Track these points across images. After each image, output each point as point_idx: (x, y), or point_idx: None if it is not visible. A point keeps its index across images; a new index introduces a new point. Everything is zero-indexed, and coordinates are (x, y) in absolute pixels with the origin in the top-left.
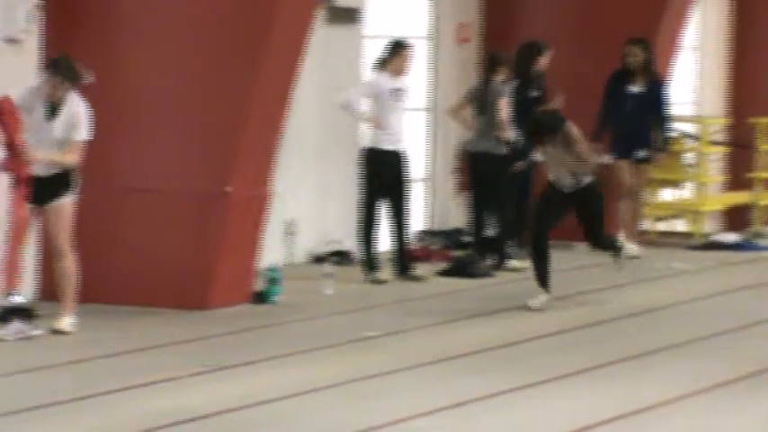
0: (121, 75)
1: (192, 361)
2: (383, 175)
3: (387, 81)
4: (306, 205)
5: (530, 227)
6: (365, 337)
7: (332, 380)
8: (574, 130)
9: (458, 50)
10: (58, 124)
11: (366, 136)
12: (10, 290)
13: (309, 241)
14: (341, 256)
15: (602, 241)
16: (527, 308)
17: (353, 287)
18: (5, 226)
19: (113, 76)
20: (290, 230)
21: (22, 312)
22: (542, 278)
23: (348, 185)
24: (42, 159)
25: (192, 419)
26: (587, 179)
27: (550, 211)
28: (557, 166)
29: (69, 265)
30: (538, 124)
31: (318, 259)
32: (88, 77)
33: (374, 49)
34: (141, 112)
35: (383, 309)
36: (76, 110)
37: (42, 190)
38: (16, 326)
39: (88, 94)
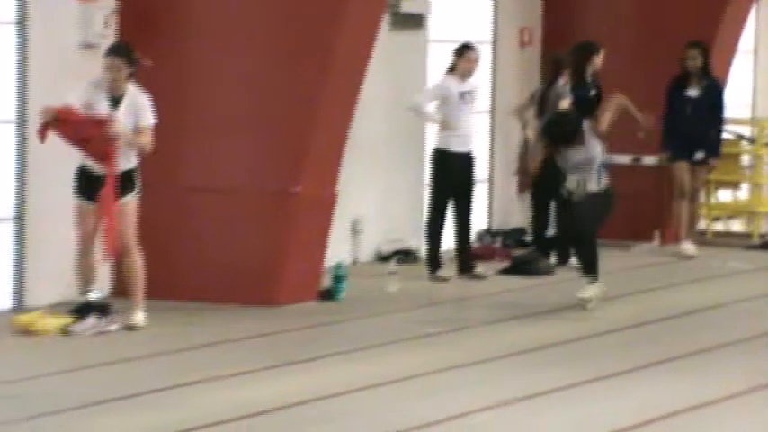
0: (193, 78)
1: (261, 356)
2: (452, 177)
3: (455, 84)
4: (371, 205)
5: (577, 227)
6: (429, 333)
7: (397, 375)
8: (592, 127)
9: (519, 54)
10: (122, 115)
11: (436, 138)
12: (86, 287)
13: (374, 240)
14: (405, 255)
15: (586, 243)
16: (582, 300)
17: (417, 285)
18: (78, 228)
19: (186, 79)
20: (355, 229)
21: (98, 308)
22: (592, 269)
23: (412, 185)
24: (123, 132)
25: (262, 413)
26: (603, 183)
27: (586, 212)
28: (577, 172)
29: (136, 261)
30: (563, 128)
31: (383, 257)
32: (145, 61)
33: (438, 54)
34: (213, 114)
35: (446, 306)
36: (138, 98)
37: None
38: (92, 321)
39: (160, 96)
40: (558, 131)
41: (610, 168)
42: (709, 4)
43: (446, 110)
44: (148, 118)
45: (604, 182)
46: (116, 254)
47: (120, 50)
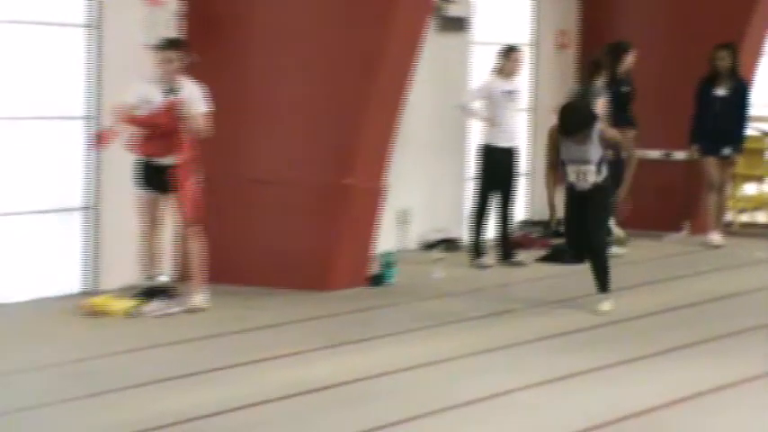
0: (253, 77)
1: (315, 338)
2: (496, 170)
3: (500, 83)
4: (417, 196)
5: (565, 236)
6: (471, 317)
7: (441, 356)
8: (603, 129)
9: (557, 55)
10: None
11: (482, 134)
12: (151, 272)
13: (421, 229)
14: (449, 243)
15: (596, 251)
16: (596, 312)
17: (460, 271)
18: (142, 217)
19: (245, 78)
20: (403, 219)
21: (163, 292)
22: (601, 280)
23: (456, 178)
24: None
25: (316, 390)
26: (601, 178)
27: (577, 217)
28: (575, 164)
29: (195, 245)
30: (576, 117)
31: (428, 246)
32: (194, 57)
33: (480, 55)
34: (270, 111)
35: (487, 292)
36: (192, 87)
37: (166, 179)
38: (157, 304)
39: (223, 95)
40: (568, 120)
41: (639, 163)
42: (736, 8)
43: (492, 108)
44: (203, 105)
45: (604, 175)
46: (196, 218)
47: (171, 44)
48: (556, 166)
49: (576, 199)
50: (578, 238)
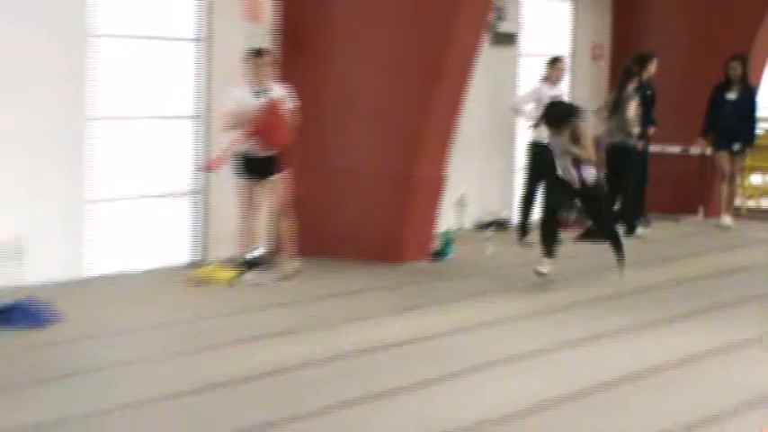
0: (334, 82)
1: (386, 303)
2: (543, 163)
3: (547, 89)
4: (473, 184)
5: (542, 210)
6: (517, 287)
7: (493, 319)
8: (583, 127)
9: (592, 65)
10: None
11: (531, 133)
12: (249, 247)
13: (475, 212)
14: (499, 225)
15: (610, 234)
16: (537, 272)
17: (509, 248)
18: (242, 202)
19: (328, 83)
20: (461, 203)
21: (259, 263)
22: (548, 250)
23: (505, 169)
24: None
25: (389, 347)
26: (591, 178)
27: (558, 197)
28: (563, 159)
29: (286, 224)
30: (557, 110)
31: (482, 226)
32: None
33: (527, 65)
34: (349, 111)
35: (531, 266)
36: (280, 88)
37: (262, 168)
38: (254, 274)
39: (309, 97)
40: (550, 113)
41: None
42: (745, 23)
43: (540, 110)
44: (290, 103)
45: (590, 175)
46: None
47: (264, 51)
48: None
49: (565, 189)
50: (552, 220)
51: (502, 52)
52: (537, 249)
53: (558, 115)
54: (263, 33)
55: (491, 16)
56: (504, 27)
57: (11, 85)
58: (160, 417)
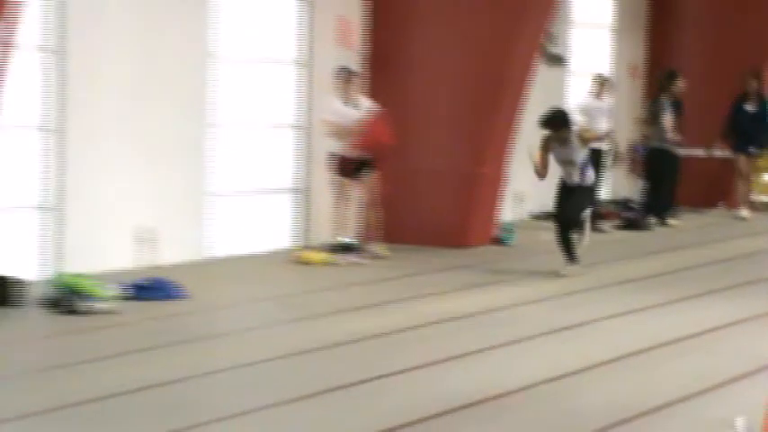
0: (412, 96)
1: (455, 280)
2: (594, 162)
3: (596, 102)
4: (529, 181)
5: (556, 215)
6: (566, 270)
7: (545, 295)
8: (574, 129)
9: (629, 82)
10: (359, 113)
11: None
12: (343, 233)
13: (531, 206)
14: (551, 217)
15: (575, 223)
16: (559, 275)
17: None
18: (338, 195)
19: (407, 97)
20: (518, 198)
21: (352, 247)
22: (569, 256)
23: (555, 169)
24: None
25: (457, 318)
26: (589, 181)
27: (567, 208)
28: (564, 164)
29: (374, 215)
30: (552, 116)
31: (537, 217)
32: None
33: (574, 81)
34: (425, 120)
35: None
36: (367, 102)
37: (355, 167)
38: (347, 256)
39: (394, 106)
40: (548, 119)
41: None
42: (759, 43)
43: (589, 119)
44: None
45: (590, 177)
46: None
47: (352, 70)
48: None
49: (566, 190)
50: (564, 218)
51: (553, 71)
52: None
53: (551, 121)
54: (353, 55)
55: (544, 40)
56: (554, 49)
57: (145, 98)
58: (270, 375)
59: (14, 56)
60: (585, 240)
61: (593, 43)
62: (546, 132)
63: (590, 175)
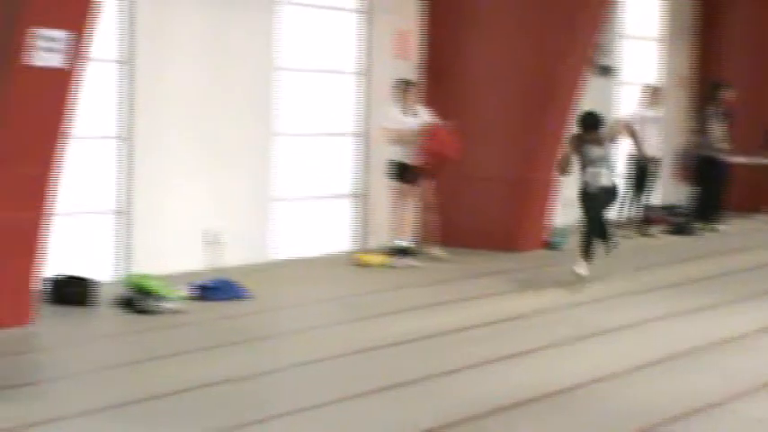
0: (466, 105)
1: (509, 283)
2: (645, 169)
3: (647, 111)
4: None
5: (587, 221)
6: (618, 271)
7: (594, 297)
8: (604, 132)
9: (677, 91)
10: (419, 121)
11: (632, 147)
12: (400, 236)
13: (576, 212)
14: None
15: (590, 229)
16: (575, 274)
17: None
18: (396, 200)
19: (461, 106)
20: (569, 203)
21: (408, 250)
22: (585, 253)
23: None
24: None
25: (516, 317)
26: (611, 183)
27: (593, 213)
28: (597, 167)
29: (431, 219)
30: (586, 118)
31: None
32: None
33: (623, 91)
34: (479, 129)
35: (631, 254)
36: (425, 111)
37: (414, 173)
38: (405, 259)
39: (447, 119)
40: (583, 119)
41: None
42: None
43: (640, 128)
44: (432, 120)
45: (611, 179)
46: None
47: (411, 81)
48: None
49: (589, 195)
50: (595, 228)
51: (603, 81)
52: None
53: (588, 122)
54: (410, 67)
55: (594, 52)
56: (604, 61)
57: (212, 106)
58: (331, 372)
59: (88, 67)
60: (612, 245)
61: (642, 54)
62: (574, 132)
63: (613, 178)
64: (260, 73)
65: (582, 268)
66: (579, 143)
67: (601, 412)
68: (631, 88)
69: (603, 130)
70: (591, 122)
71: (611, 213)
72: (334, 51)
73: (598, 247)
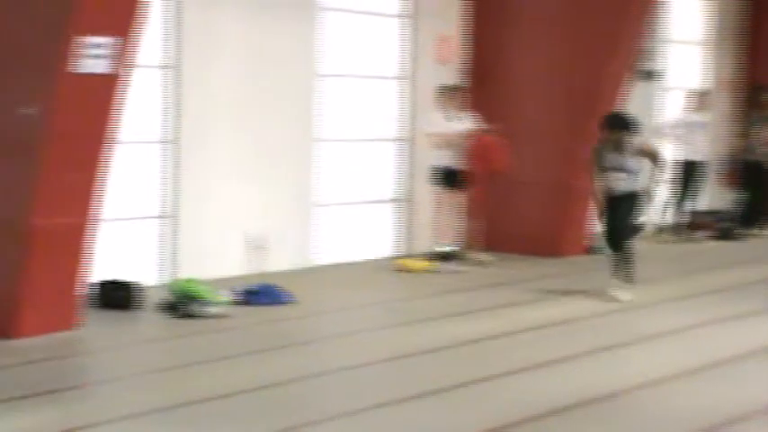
0: (509, 111)
1: (556, 287)
2: (691, 174)
3: (693, 116)
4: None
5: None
6: (662, 276)
7: (638, 303)
8: (641, 140)
9: (721, 96)
10: (463, 126)
11: (680, 151)
12: (445, 242)
13: None
14: (644, 226)
15: (623, 249)
16: (613, 299)
17: (654, 245)
18: (438, 206)
19: (504, 111)
20: None
21: (453, 256)
22: (624, 270)
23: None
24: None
25: (559, 323)
26: (636, 187)
27: (613, 221)
28: (613, 171)
29: (475, 225)
30: (614, 117)
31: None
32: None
33: (670, 97)
34: (522, 135)
35: (675, 259)
36: (469, 116)
37: (458, 179)
38: (448, 264)
39: (491, 123)
40: (609, 118)
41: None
42: None
43: (687, 133)
44: (478, 126)
45: (639, 183)
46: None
47: (456, 86)
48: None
49: (610, 201)
50: (611, 233)
51: (648, 86)
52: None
53: (615, 121)
54: (453, 71)
55: (638, 57)
56: (649, 65)
57: (256, 112)
58: (375, 377)
59: (133, 73)
60: (631, 265)
61: (686, 58)
62: (595, 145)
63: (640, 181)
64: (303, 78)
65: (621, 291)
66: (598, 154)
67: (642, 419)
68: (675, 93)
69: (633, 141)
70: (613, 122)
71: (643, 219)
72: (377, 56)
73: (612, 263)
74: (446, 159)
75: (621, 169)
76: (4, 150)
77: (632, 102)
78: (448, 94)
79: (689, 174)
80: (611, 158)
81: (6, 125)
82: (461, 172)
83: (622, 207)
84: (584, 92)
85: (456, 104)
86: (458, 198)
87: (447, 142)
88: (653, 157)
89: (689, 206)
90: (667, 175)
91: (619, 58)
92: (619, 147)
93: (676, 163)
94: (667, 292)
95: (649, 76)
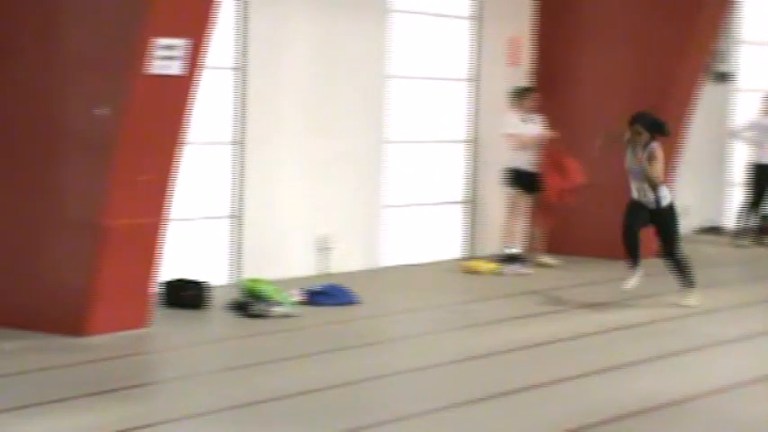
0: (577, 113)
1: (618, 291)
2: (762, 178)
3: (764, 119)
4: (695, 194)
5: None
6: (725, 282)
7: (708, 307)
8: (659, 151)
9: None
10: (536, 128)
11: (751, 155)
12: (511, 244)
13: (696, 220)
14: (716, 230)
15: (676, 260)
16: (679, 304)
17: (721, 249)
18: (511, 208)
19: (572, 113)
20: (684, 212)
21: (518, 258)
22: (633, 260)
23: (721, 183)
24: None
25: (624, 327)
26: (665, 202)
27: (636, 215)
28: (641, 182)
29: (543, 226)
30: (642, 116)
31: (702, 231)
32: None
33: (743, 100)
34: (590, 136)
35: (741, 264)
36: (538, 119)
37: (530, 182)
38: (514, 266)
39: (559, 126)
40: (638, 117)
41: None
42: None
43: (758, 136)
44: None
45: (664, 198)
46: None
47: (530, 88)
48: None
49: (641, 210)
50: (633, 233)
51: (720, 88)
52: (750, 250)
53: (642, 120)
54: (521, 74)
55: (711, 59)
56: (721, 67)
57: (326, 114)
58: (440, 379)
59: (204, 74)
60: (688, 270)
61: (760, 59)
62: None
63: (664, 195)
64: (371, 80)
65: (692, 297)
66: (629, 143)
67: (710, 426)
68: (749, 95)
69: (650, 144)
70: (636, 116)
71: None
72: (446, 58)
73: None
74: (518, 161)
75: (631, 172)
76: (79, 151)
77: (704, 105)
78: (521, 95)
79: (761, 177)
80: (629, 159)
81: (81, 126)
82: (534, 174)
83: (661, 223)
84: (656, 93)
85: (528, 106)
86: (528, 201)
87: (523, 144)
88: (651, 170)
89: (762, 211)
90: (743, 178)
91: (691, 59)
92: (632, 143)
93: (748, 166)
94: (738, 296)
95: (722, 77)
